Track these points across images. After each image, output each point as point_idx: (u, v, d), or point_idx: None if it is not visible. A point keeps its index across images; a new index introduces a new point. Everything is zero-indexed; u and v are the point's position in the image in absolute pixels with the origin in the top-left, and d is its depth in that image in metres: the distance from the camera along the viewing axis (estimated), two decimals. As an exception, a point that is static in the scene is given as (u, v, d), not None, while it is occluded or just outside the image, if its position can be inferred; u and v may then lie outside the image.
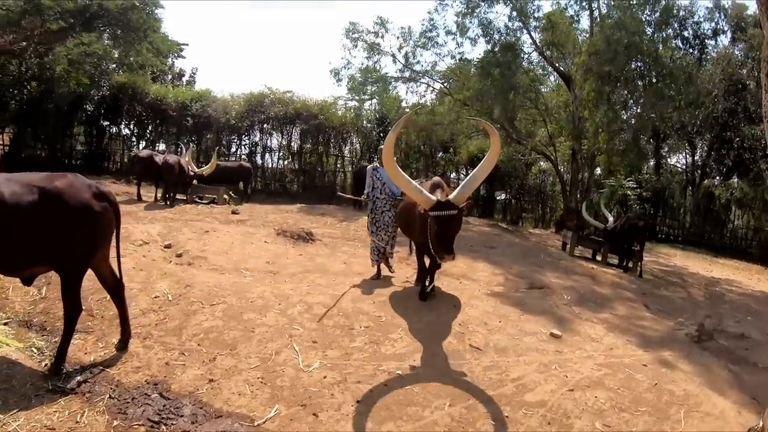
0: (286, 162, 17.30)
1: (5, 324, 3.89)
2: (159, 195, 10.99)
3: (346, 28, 14.69)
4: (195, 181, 11.53)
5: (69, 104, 14.73)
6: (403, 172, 4.29)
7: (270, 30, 69.45)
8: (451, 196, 4.19)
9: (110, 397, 3.07)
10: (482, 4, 13.41)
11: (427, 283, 5.22)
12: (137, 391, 3.16)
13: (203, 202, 11.78)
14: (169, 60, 20.68)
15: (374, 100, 16.50)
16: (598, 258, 10.28)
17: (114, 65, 16.00)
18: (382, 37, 14.60)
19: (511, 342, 4.39)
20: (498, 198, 17.62)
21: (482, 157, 15.35)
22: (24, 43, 13.51)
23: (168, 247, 6.62)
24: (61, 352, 3.35)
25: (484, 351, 4.15)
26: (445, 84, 15.31)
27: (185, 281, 5.01)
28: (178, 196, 11.37)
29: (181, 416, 2.92)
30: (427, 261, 5.27)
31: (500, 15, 13.39)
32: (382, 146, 6.44)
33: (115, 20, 13.98)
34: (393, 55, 14.68)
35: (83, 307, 4.19)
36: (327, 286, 5.43)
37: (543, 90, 15.33)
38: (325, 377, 3.45)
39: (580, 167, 13.56)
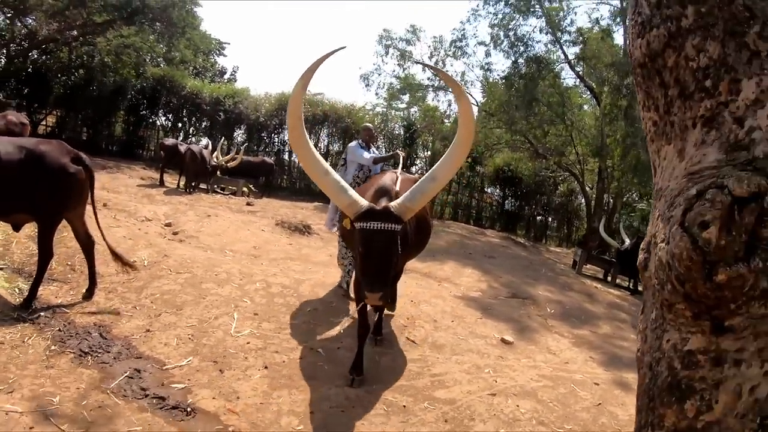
0: (311, 162, 17.80)
1: (1, 269, 4.43)
2: (183, 183, 11.68)
3: (379, 34, 15.12)
4: (219, 173, 12.15)
5: (111, 92, 15.84)
6: (320, 157, 2.94)
7: (307, 33, 72.21)
8: (393, 204, 2.84)
9: (59, 330, 3.53)
10: (516, 16, 13.46)
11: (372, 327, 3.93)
12: (83, 330, 3.59)
13: (224, 193, 12.38)
14: (212, 58, 21.94)
15: (413, 108, 16.78)
16: (610, 279, 10.06)
17: (159, 58, 16.99)
18: (414, 44, 14.90)
19: (453, 341, 4.43)
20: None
21: (508, 171, 14.90)
22: (74, 32, 14.72)
23: (168, 225, 7.12)
24: (33, 290, 3.87)
25: (418, 345, 4.24)
26: (482, 96, 15.41)
27: (165, 252, 5.42)
28: (202, 186, 12.05)
29: (108, 352, 3.31)
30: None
31: (533, 28, 13.39)
32: (367, 124, 5.90)
33: (156, 16, 14.96)
34: (423, 63, 14.93)
35: (69, 264, 4.72)
36: (298, 272, 5.68)
37: (586, 108, 15.09)
38: (248, 343, 3.71)
39: (605, 186, 13.23)
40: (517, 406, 3.45)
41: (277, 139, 17.58)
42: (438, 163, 2.91)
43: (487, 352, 4.33)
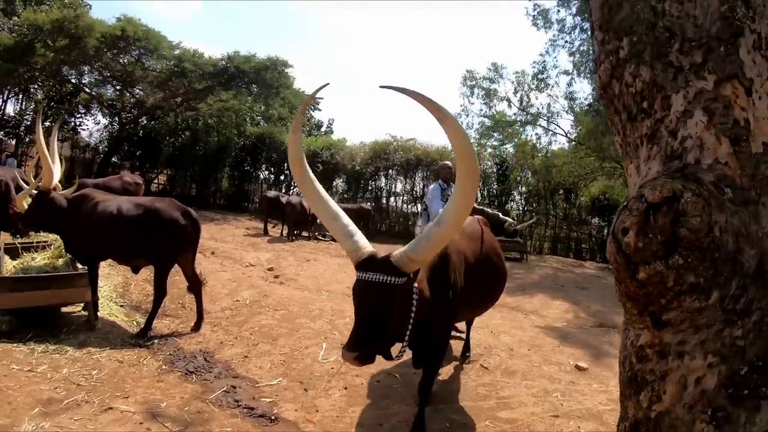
0: (409, 205, 18.51)
1: (121, 306, 5.45)
2: (285, 231, 12.83)
3: (463, 75, 15.59)
4: (319, 221, 13.16)
5: (215, 151, 17.74)
6: (329, 200, 2.54)
7: (395, 81, 75.70)
8: (395, 253, 2.37)
9: (169, 354, 4.26)
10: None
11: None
12: (190, 354, 4.29)
13: (325, 239, 13.35)
14: (307, 113, 24.02)
15: (507, 145, 16.91)
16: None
17: (258, 116, 18.78)
18: (497, 82, 15.16)
19: (525, 367, 4.52)
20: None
21: (605, 200, 14.16)
22: (178, 100, 16.84)
23: (270, 269, 7.99)
24: (148, 322, 4.71)
25: (491, 371, 4.39)
26: (570, 127, 15.14)
27: (265, 292, 6.17)
28: (304, 234, 13.13)
29: (210, 372, 3.94)
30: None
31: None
32: (446, 162, 5.45)
33: (251, 79, 16.57)
34: (508, 100, 15.08)
35: (180, 302, 5.61)
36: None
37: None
38: (332, 368, 4.14)
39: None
40: (579, 427, 3.46)
41: (374, 185, 18.62)
42: (445, 206, 2.36)
43: (559, 378, 4.34)
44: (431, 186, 5.27)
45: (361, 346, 2.25)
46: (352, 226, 2.51)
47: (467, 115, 16.27)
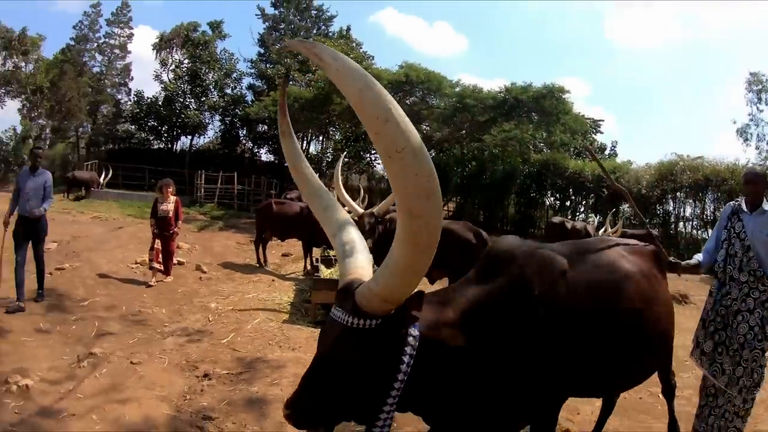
0: (699, 231, 16.09)
1: None
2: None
3: (747, 79, 12.98)
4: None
5: (501, 178, 18.58)
6: (331, 199, 2.06)
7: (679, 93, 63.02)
8: (361, 285, 1.68)
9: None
10: None
11: None
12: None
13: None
14: (590, 137, 22.97)
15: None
16: None
17: (540, 143, 19.01)
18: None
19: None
20: None
21: None
22: (463, 132, 18.19)
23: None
24: None
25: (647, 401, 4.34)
26: None
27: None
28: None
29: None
30: None
31: None
32: (750, 171, 3.35)
33: (530, 108, 16.71)
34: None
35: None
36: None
37: None
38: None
39: None
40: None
41: (661, 209, 16.94)
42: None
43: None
44: (726, 208, 3.51)
45: (295, 405, 1.66)
46: (355, 244, 1.90)
47: (757, 125, 13.27)
